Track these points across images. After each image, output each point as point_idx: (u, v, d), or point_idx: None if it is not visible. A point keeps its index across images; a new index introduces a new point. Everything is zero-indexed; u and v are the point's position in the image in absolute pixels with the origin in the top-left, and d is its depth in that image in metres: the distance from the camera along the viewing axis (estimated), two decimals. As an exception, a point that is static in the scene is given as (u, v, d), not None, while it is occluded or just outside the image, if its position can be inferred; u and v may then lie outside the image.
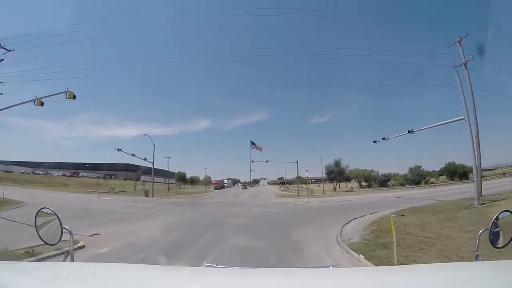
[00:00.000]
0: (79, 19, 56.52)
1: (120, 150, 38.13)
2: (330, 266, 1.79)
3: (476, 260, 1.81)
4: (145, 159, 38.01)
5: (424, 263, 5.71)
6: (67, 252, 1.95)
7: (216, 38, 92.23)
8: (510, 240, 1.79)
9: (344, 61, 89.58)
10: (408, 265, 4.81)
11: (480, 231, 1.89)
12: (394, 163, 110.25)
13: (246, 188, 73.41)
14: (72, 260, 1.94)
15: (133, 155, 39.00)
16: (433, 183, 56.51)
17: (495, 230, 1.85)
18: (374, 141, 27.90)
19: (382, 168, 66.20)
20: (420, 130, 23.64)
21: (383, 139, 26.37)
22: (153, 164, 39.59)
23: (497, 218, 1.86)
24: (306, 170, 28.99)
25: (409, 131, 23.40)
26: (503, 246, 1.84)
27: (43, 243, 1.95)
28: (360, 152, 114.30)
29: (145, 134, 40.93)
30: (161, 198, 34.77)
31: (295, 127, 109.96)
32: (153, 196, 36.46)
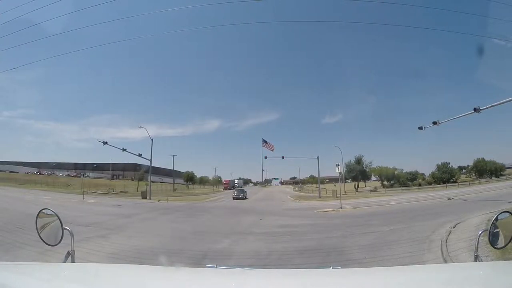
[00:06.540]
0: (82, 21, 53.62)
1: (125, 150, 34.26)
2: (330, 267, 1.73)
3: (476, 261, 1.86)
4: (140, 155, 33.45)
5: None
6: (68, 253, 1.84)
7: (227, 42, 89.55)
8: (510, 241, 1.75)
9: (357, 59, 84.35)
10: (408, 266, 4.57)
11: (480, 232, 1.92)
12: (409, 161, 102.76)
13: (243, 197, 34.24)
14: (73, 261, 1.83)
15: (140, 155, 35.34)
16: (468, 181, 50.48)
17: (495, 230, 1.83)
18: (420, 128, 22.44)
19: (397, 166, 60.38)
20: (489, 107, 17.58)
21: (434, 123, 20.66)
22: (150, 162, 35.03)
23: (496, 219, 1.85)
24: (338, 165, 22.98)
25: (475, 109, 17.51)
26: (503, 247, 1.83)
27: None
28: (373, 150, 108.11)
29: (140, 127, 36.64)
30: (159, 200, 30.21)
31: (308, 126, 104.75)
32: (150, 198, 31.80)
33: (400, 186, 49.33)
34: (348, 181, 57.40)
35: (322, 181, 54.08)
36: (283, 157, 36.18)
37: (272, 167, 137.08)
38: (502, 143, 79.99)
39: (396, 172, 58.58)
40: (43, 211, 2.02)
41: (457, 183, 47.99)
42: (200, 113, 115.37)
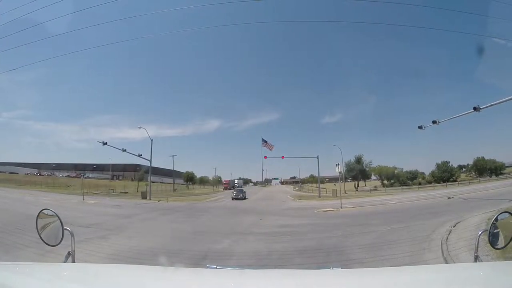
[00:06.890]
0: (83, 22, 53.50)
1: (125, 150, 34.08)
2: (331, 267, 1.72)
3: (476, 261, 1.83)
4: (139, 155, 33.42)
5: None
6: (68, 253, 1.85)
7: (228, 42, 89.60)
8: (510, 241, 1.73)
9: (357, 58, 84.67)
10: (408, 266, 4.62)
11: (480, 232, 1.92)
12: (409, 160, 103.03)
13: (243, 197, 33.21)
14: (73, 261, 1.84)
15: (140, 155, 35.20)
16: (468, 180, 50.38)
17: (495, 231, 1.82)
18: (420, 127, 22.56)
19: (397, 165, 60.39)
20: (489, 106, 17.59)
21: (434, 122, 20.69)
22: (150, 162, 35.02)
23: (496, 219, 1.84)
24: (337, 164, 23.05)
25: (475, 108, 17.53)
26: (503, 247, 1.81)
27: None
28: (373, 150, 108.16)
29: (140, 127, 36.61)
30: (159, 201, 30.22)
31: (307, 126, 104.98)
32: (150, 198, 31.79)
33: (400, 185, 49.17)
34: (348, 180, 57.39)
35: (322, 180, 54.11)
36: (283, 157, 36.29)
37: (272, 167, 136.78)
38: (502, 142, 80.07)
39: (396, 171, 58.44)
40: (43, 211, 2.02)
41: (457, 182, 47.94)
42: (200, 113, 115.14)
